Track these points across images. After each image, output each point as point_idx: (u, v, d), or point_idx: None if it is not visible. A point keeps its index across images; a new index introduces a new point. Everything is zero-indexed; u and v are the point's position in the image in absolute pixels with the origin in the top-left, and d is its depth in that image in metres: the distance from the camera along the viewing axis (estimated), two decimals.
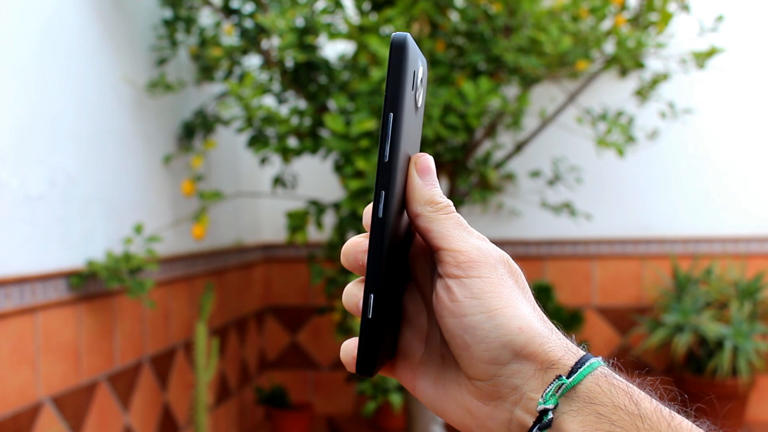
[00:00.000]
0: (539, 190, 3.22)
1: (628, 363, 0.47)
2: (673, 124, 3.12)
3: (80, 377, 2.01)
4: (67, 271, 1.95)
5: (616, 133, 2.49)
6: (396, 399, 2.44)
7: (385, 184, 0.42)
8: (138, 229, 2.16)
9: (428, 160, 0.46)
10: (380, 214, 0.43)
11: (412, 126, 0.45)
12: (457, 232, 0.44)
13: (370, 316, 0.43)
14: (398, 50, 0.42)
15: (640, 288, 3.35)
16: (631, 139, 2.48)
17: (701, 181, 3.33)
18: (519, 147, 2.79)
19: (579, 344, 0.45)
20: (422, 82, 0.46)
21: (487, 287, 0.43)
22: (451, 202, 0.46)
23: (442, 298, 0.44)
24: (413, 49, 0.43)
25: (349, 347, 0.46)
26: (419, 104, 0.46)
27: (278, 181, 2.58)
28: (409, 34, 0.43)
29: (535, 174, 3.04)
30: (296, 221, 2.38)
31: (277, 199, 3.13)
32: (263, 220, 3.52)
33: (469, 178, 2.55)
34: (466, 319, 0.42)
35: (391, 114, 0.42)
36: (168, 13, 2.49)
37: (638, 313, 3.32)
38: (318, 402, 3.49)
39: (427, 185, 0.45)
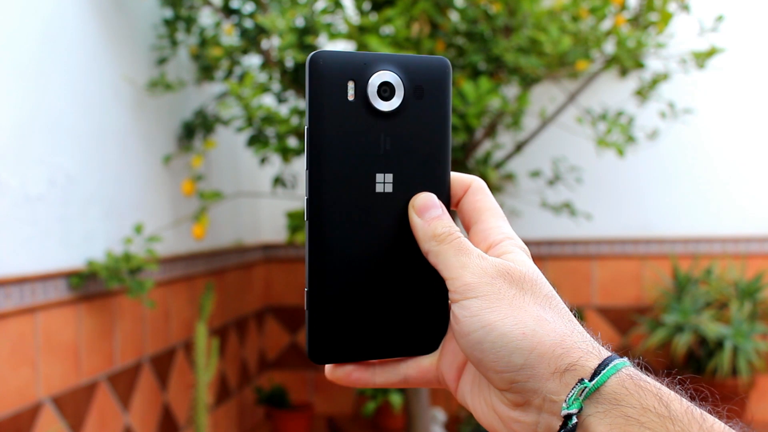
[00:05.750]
0: (539, 190, 3.22)
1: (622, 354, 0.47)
2: (673, 124, 3.12)
3: (80, 377, 2.01)
4: (67, 271, 1.95)
5: (616, 133, 2.49)
6: (396, 399, 2.45)
7: (307, 191, 0.47)
8: (138, 229, 2.16)
9: (425, 199, 0.48)
10: (305, 218, 0.47)
11: (367, 133, 0.48)
12: (455, 258, 0.46)
13: (305, 308, 0.48)
14: (308, 68, 0.47)
15: (640, 288, 3.35)
16: (631, 139, 2.48)
17: (701, 181, 3.33)
18: (519, 147, 2.79)
19: (604, 344, 0.45)
20: (376, 90, 0.48)
21: (484, 304, 0.44)
22: (452, 228, 0.47)
23: (451, 322, 0.46)
24: (333, 65, 0.47)
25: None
26: (384, 108, 0.48)
27: (278, 181, 2.58)
28: (327, 51, 0.47)
29: (535, 174, 3.04)
30: (296, 221, 2.38)
31: (277, 199, 3.13)
32: (263, 220, 3.51)
33: None
34: (470, 337, 0.44)
35: (306, 127, 0.47)
36: (168, 13, 2.49)
37: (638, 313, 3.32)
38: (318, 402, 3.49)
39: (427, 221, 0.47)
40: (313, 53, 0.47)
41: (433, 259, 0.47)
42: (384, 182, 0.48)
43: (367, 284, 0.48)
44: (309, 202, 0.47)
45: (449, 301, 0.46)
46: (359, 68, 0.48)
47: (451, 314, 0.46)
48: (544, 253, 3.37)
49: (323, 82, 0.47)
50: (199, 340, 2.38)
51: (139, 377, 2.32)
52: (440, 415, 2.92)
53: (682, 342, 3.02)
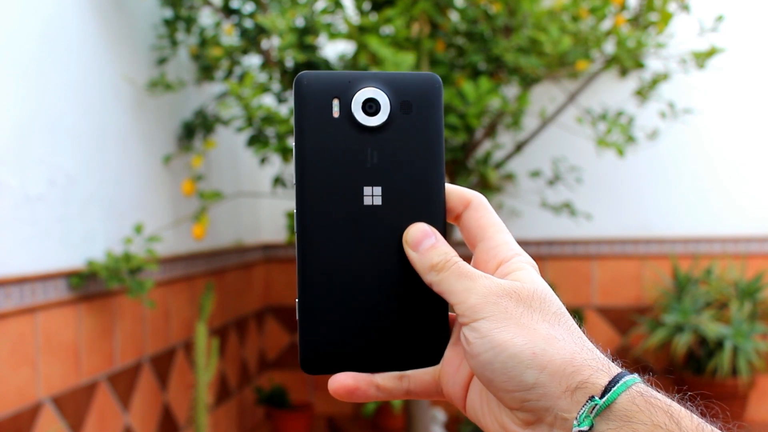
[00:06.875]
0: (539, 190, 3.22)
1: (628, 363, 0.47)
2: (673, 124, 3.12)
3: (80, 377, 2.01)
4: (67, 271, 1.95)
5: (616, 133, 2.49)
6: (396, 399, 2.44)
7: (296, 204, 0.49)
8: (138, 229, 2.16)
9: (416, 231, 0.48)
10: (295, 231, 0.49)
11: (353, 147, 0.49)
12: (458, 284, 0.46)
13: (297, 318, 0.49)
14: (293, 89, 0.49)
15: (640, 288, 3.35)
16: (631, 139, 2.48)
17: (701, 181, 3.33)
18: (519, 147, 2.79)
19: (613, 360, 0.45)
20: (360, 106, 0.49)
21: (493, 325, 0.44)
22: (448, 254, 0.47)
23: (462, 345, 0.46)
24: (317, 84, 0.49)
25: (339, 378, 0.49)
26: (369, 123, 0.49)
27: (278, 181, 2.58)
28: (312, 71, 0.49)
29: (535, 174, 3.04)
30: None
31: (277, 199, 3.13)
32: (263, 220, 3.51)
33: (469, 178, 2.55)
34: (481, 358, 0.44)
35: (293, 144, 0.49)
36: (168, 13, 2.49)
37: (638, 313, 3.32)
38: (318, 402, 3.49)
39: (422, 254, 0.48)
40: (298, 74, 0.49)
41: (437, 288, 0.47)
42: (372, 195, 0.49)
43: (358, 295, 0.49)
44: (297, 214, 0.49)
45: (461, 326, 0.47)
46: (343, 86, 0.49)
47: (462, 337, 0.46)
48: (544, 253, 3.37)
49: (308, 101, 0.48)
50: (199, 340, 2.38)
51: (139, 377, 2.32)
52: (440, 415, 2.92)
53: (682, 342, 3.02)
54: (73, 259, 1.99)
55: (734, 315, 3.07)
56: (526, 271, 0.48)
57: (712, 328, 3.00)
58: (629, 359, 3.26)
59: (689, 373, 3.12)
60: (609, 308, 3.36)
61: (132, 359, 2.28)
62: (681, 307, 3.10)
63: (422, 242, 0.48)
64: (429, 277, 0.47)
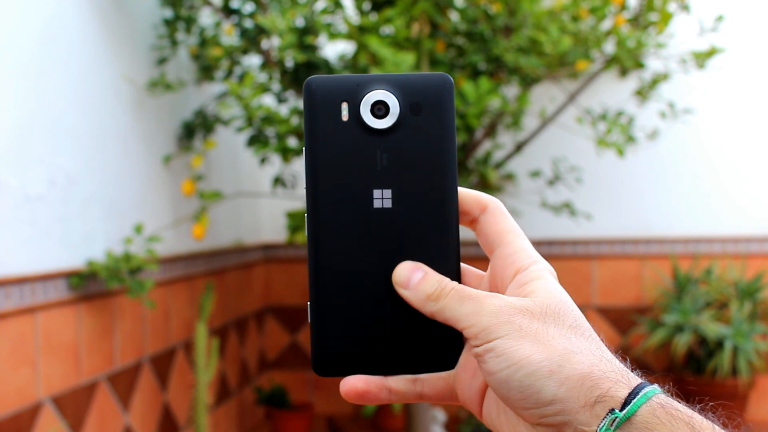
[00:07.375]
0: (539, 190, 3.22)
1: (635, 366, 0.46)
2: (673, 124, 3.12)
3: (80, 377, 2.01)
4: (67, 271, 1.95)
5: (616, 133, 2.49)
6: None
7: (307, 208, 0.49)
8: (138, 229, 2.16)
9: (402, 270, 0.48)
10: (306, 233, 0.49)
11: (362, 151, 0.49)
12: (462, 308, 0.45)
13: (309, 320, 0.49)
14: (303, 94, 0.50)
15: (640, 288, 3.35)
16: (631, 139, 2.48)
17: (701, 181, 3.33)
18: (519, 147, 2.79)
19: (633, 369, 0.45)
20: (369, 109, 0.49)
21: (508, 344, 0.44)
22: (441, 282, 0.47)
23: (476, 362, 0.46)
24: (326, 88, 0.49)
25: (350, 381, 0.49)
26: (378, 126, 0.49)
27: (278, 181, 2.58)
28: (321, 75, 0.49)
29: (535, 174, 3.04)
30: (296, 221, 2.38)
31: (277, 199, 3.13)
32: (263, 220, 3.51)
33: (469, 178, 2.55)
34: (497, 376, 0.44)
35: (304, 149, 0.50)
36: (168, 13, 2.49)
37: (638, 313, 3.32)
38: (318, 402, 3.49)
39: (414, 288, 0.47)
40: (307, 79, 0.49)
41: (440, 317, 0.46)
42: (382, 198, 0.49)
43: (370, 298, 0.49)
44: (309, 217, 0.49)
45: (472, 348, 0.46)
46: (352, 89, 0.49)
47: (473, 355, 0.45)
48: (544, 253, 3.35)
49: (317, 106, 0.49)
50: (199, 340, 2.38)
51: (139, 377, 2.32)
52: (440, 415, 2.92)
53: (682, 342, 3.02)
54: (73, 259, 1.99)
55: (734, 315, 3.07)
56: (545, 280, 0.47)
57: (712, 328, 3.00)
58: (629, 359, 3.26)
59: (689, 373, 3.12)
60: (609, 308, 3.35)
61: (132, 359, 2.28)
62: (681, 307, 3.10)
63: (411, 279, 0.47)
64: (428, 308, 0.46)
